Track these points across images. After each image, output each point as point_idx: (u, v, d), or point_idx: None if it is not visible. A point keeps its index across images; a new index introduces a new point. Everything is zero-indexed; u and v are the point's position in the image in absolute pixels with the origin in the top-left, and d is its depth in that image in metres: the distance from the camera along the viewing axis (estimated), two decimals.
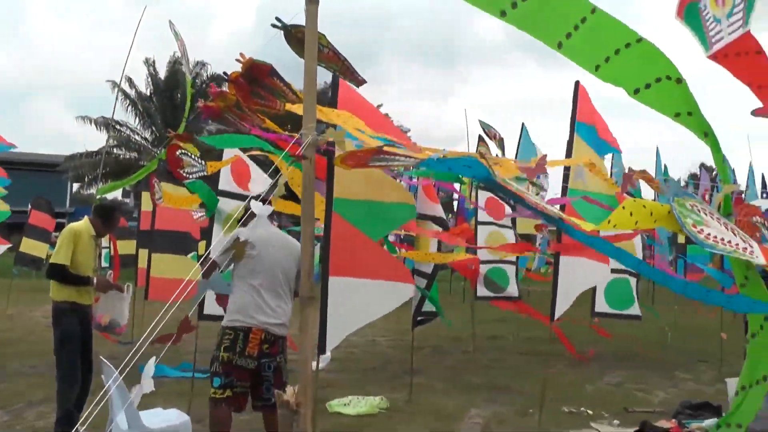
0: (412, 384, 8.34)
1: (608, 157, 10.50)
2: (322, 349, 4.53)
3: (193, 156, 6.90)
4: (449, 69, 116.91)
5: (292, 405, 3.14)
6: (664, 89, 3.48)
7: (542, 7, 3.27)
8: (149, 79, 40.13)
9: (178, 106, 36.62)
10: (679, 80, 3.48)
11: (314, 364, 3.91)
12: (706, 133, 3.58)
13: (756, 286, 3.69)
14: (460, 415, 7.66)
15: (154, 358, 2.83)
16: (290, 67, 4.26)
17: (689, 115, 3.53)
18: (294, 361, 4.76)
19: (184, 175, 7.37)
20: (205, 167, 7.19)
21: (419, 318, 8.28)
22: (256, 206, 3.50)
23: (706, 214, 3.47)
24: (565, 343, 7.97)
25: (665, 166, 18.08)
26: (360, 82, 4.52)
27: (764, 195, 17.79)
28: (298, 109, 4.55)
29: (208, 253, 5.72)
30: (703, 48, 4.32)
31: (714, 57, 4.19)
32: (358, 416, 7.42)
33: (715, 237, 3.21)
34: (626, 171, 5.64)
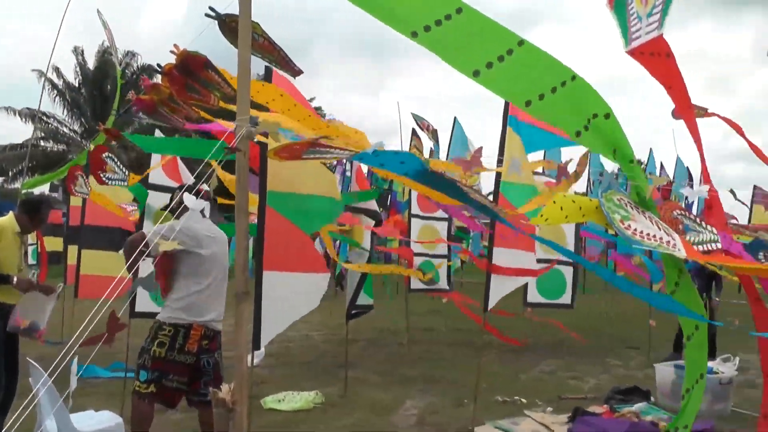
0: (347, 378, 8.31)
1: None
2: (256, 345, 4.48)
3: (118, 163, 6.72)
4: (382, 62, 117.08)
5: (228, 403, 3.08)
6: (599, 127, 3.49)
7: (457, 35, 3.16)
8: (78, 69, 38.94)
9: (109, 98, 35.62)
10: (608, 115, 3.50)
11: (249, 360, 3.86)
12: (631, 161, 3.63)
13: (687, 291, 3.80)
14: (395, 407, 7.68)
15: (77, 357, 2.72)
16: (225, 57, 4.18)
17: (614, 152, 3.56)
18: (228, 357, 4.68)
19: (104, 179, 7.19)
20: (127, 178, 7.03)
21: (353, 311, 8.27)
22: (189, 199, 3.41)
23: (633, 209, 3.54)
24: (495, 333, 8.08)
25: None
26: (296, 72, 4.44)
27: (690, 186, 18.38)
28: (232, 106, 4.47)
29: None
30: (623, 42, 4.43)
31: (631, 53, 4.29)
32: (293, 412, 7.36)
33: (641, 232, 3.28)
34: (562, 163, 5.76)
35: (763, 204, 12.56)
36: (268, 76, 5.01)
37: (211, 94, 4.00)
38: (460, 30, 3.17)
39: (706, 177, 4.38)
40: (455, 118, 15.38)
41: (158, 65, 3.93)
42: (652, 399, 7.93)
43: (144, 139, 6.51)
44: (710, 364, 8.03)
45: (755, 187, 13.78)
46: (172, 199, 5.34)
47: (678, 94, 4.05)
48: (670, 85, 4.09)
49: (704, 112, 10.62)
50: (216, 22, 3.76)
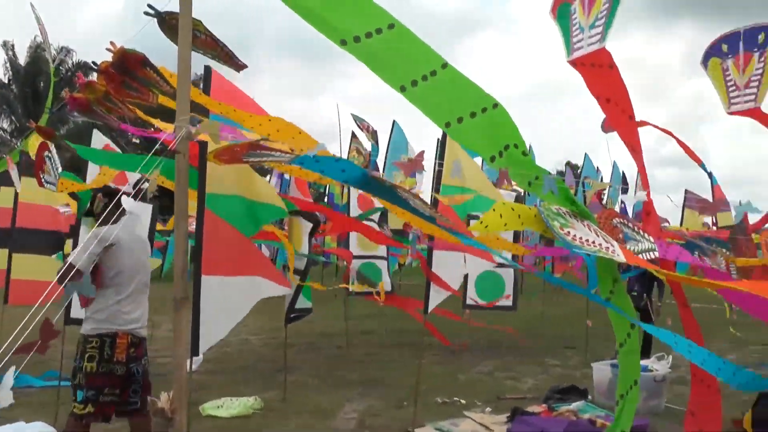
0: (286, 382, 8.21)
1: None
2: (195, 351, 4.36)
3: (54, 166, 6.50)
4: (323, 64, 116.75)
5: (167, 412, 2.98)
6: (513, 157, 3.53)
7: (386, 49, 3.19)
8: (8, 65, 37.76)
9: (41, 95, 34.60)
10: (525, 153, 3.54)
11: (188, 367, 3.75)
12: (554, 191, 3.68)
13: (620, 299, 3.87)
14: (335, 410, 7.63)
15: (13, 368, 2.60)
16: (165, 55, 4.07)
17: (536, 179, 3.60)
18: (165, 364, 4.56)
19: (42, 179, 6.96)
20: (56, 179, 6.80)
21: (292, 315, 8.17)
22: (128, 203, 3.29)
23: (571, 218, 3.58)
24: (437, 335, 8.10)
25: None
26: (240, 66, 4.35)
27: (625, 190, 18.87)
28: (172, 103, 4.35)
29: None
30: (565, 51, 4.49)
31: (573, 63, 4.36)
32: (232, 418, 7.23)
33: (581, 238, 3.32)
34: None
35: (694, 208, 12.92)
36: (207, 76, 4.90)
37: (149, 92, 3.89)
38: (390, 45, 3.20)
39: (645, 183, 4.46)
40: (394, 121, 15.45)
41: (93, 63, 3.80)
42: (590, 397, 8.06)
43: (81, 148, 6.31)
44: (645, 362, 8.23)
45: (687, 191, 14.15)
46: (92, 203, 5.18)
47: (616, 107, 4.12)
48: (608, 98, 4.15)
49: (638, 122, 10.82)
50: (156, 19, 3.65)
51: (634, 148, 4.18)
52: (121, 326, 4.85)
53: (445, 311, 8.07)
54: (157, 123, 4.96)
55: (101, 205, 5.02)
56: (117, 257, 4.84)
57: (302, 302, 8.11)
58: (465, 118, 3.30)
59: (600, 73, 4.12)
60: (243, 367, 10.03)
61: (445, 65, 3.25)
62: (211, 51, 4.12)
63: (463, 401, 8.15)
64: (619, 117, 4.14)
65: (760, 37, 6.05)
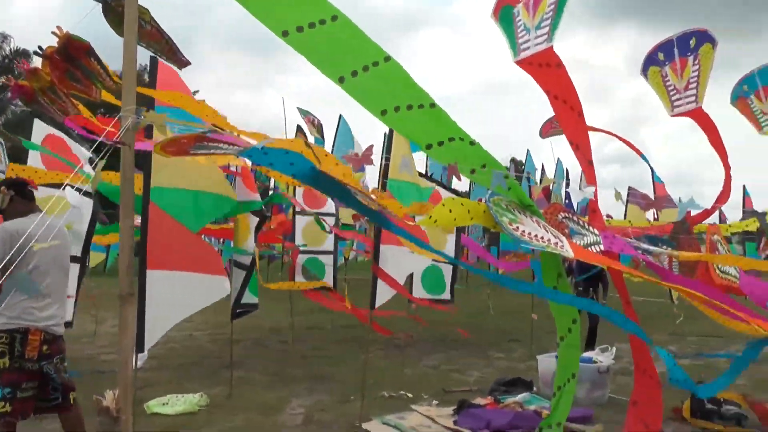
0: (232, 378, 8.12)
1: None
2: (140, 348, 4.28)
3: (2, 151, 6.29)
4: (268, 58, 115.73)
5: (112, 411, 2.90)
6: (457, 148, 3.56)
7: (329, 40, 3.20)
8: None
9: None
10: (472, 143, 3.57)
11: (133, 364, 3.67)
12: (506, 176, 3.72)
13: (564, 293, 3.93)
14: (282, 406, 7.56)
15: None
16: (108, 48, 3.95)
17: (483, 167, 3.64)
18: (109, 362, 4.45)
19: None
20: (6, 167, 6.60)
21: (238, 310, 8.08)
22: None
23: (520, 213, 3.62)
24: (378, 328, 8.09)
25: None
26: (183, 63, 4.25)
27: (568, 188, 19.20)
28: (112, 97, 4.23)
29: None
30: (511, 52, 4.55)
31: (520, 63, 4.42)
32: (178, 415, 7.08)
33: (530, 234, 3.36)
34: (449, 166, 5.82)
35: (638, 204, 13.20)
36: (153, 67, 4.79)
37: (93, 86, 3.77)
38: (332, 36, 3.21)
39: (591, 179, 4.53)
40: (341, 115, 15.40)
41: (39, 48, 3.66)
42: (535, 389, 8.18)
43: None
44: (589, 354, 8.39)
45: (630, 188, 14.45)
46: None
47: (565, 104, 4.18)
48: (556, 95, 4.21)
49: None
50: (99, 6, 3.54)
51: (581, 145, 4.25)
52: (34, 323, 4.65)
53: (388, 312, 8.09)
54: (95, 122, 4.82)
55: (6, 199, 4.79)
56: (30, 253, 4.63)
57: (248, 297, 8.03)
58: (402, 109, 3.33)
59: (548, 72, 4.19)
60: (188, 364, 9.88)
61: (388, 58, 3.27)
62: (155, 44, 4.01)
63: (409, 395, 8.17)
64: (569, 114, 4.20)
65: (692, 42, 6.31)
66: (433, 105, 3.40)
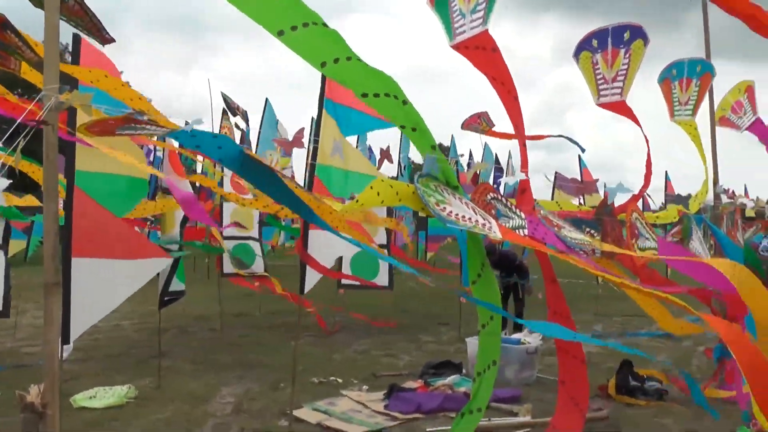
0: (161, 368, 7.93)
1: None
2: (65, 339, 4.11)
3: None
4: (194, 39, 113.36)
5: (37, 407, 2.77)
6: (391, 104, 3.55)
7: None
8: None
9: None
10: (405, 102, 3.57)
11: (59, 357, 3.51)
12: (433, 147, 3.73)
13: (488, 283, 3.97)
14: (212, 395, 7.44)
15: None
16: (27, 24, 3.75)
17: (413, 130, 3.62)
18: (32, 354, 4.26)
19: None
20: None
21: (166, 298, 7.90)
22: None
23: (448, 194, 3.62)
24: (321, 322, 8.02)
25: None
26: (107, 40, 4.07)
27: (497, 172, 19.50)
28: (31, 76, 4.03)
29: None
30: (447, 37, 4.56)
31: (456, 47, 4.44)
32: (105, 409, 6.88)
33: (457, 214, 3.36)
34: (381, 150, 5.82)
35: (564, 189, 13.52)
36: (76, 45, 4.58)
37: (11, 57, 3.57)
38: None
39: (524, 161, 4.59)
40: (266, 99, 15.19)
41: None
42: (464, 371, 8.27)
43: None
44: (518, 335, 8.55)
45: (557, 173, 14.79)
46: None
47: (502, 86, 4.21)
48: (494, 77, 4.24)
49: (488, 129, 11.21)
50: None
51: (518, 125, 4.29)
52: None
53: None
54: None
55: None
56: None
57: (176, 284, 7.86)
58: (341, 60, 3.31)
59: (484, 56, 4.21)
60: (115, 355, 9.60)
61: (325, 24, 3.23)
62: (78, 20, 3.83)
63: (339, 380, 8.17)
64: (506, 97, 4.23)
65: (626, 35, 6.47)
66: (349, 58, 3.41)
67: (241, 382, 8.06)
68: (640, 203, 7.70)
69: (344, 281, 10.26)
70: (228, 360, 9.24)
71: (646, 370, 8.15)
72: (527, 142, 4.76)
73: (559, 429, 4.72)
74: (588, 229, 5.92)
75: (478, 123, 11.26)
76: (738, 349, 3.10)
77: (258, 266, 11.44)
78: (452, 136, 20.00)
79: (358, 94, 3.49)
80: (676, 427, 6.45)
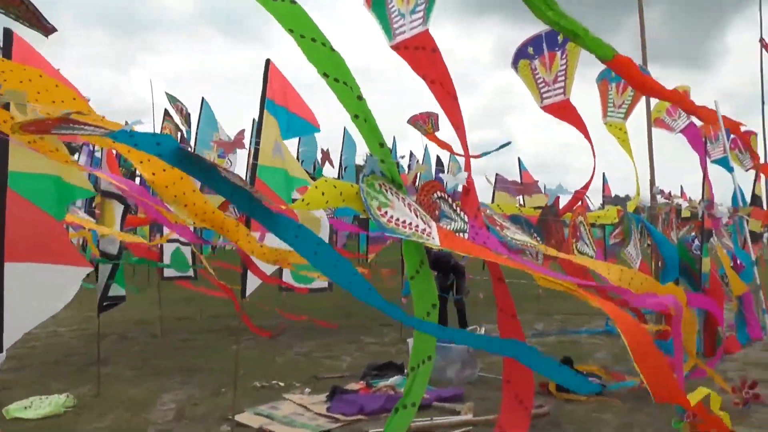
0: (100, 375, 7.73)
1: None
2: None
3: None
4: (133, 37, 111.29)
5: None
6: (342, 91, 3.61)
7: None
8: None
9: None
10: (359, 97, 3.61)
11: None
12: (381, 144, 3.77)
13: (425, 280, 4.01)
14: (153, 402, 7.32)
15: None
16: None
17: (365, 121, 3.67)
18: None
19: None
20: None
21: (105, 303, 7.74)
22: None
23: (393, 195, 3.64)
24: (253, 328, 7.96)
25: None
26: (49, 30, 3.95)
27: (437, 172, 19.67)
28: None
29: None
30: (386, 37, 4.59)
31: (396, 47, 4.48)
32: (42, 419, 6.68)
33: (397, 220, 3.39)
34: (322, 152, 5.82)
35: (505, 190, 13.72)
36: (8, 40, 4.43)
37: None
38: None
39: (467, 162, 4.64)
40: (203, 98, 15.05)
41: None
42: (406, 372, 8.29)
43: None
44: None
45: (497, 174, 14.98)
46: None
47: (441, 88, 4.26)
48: (433, 80, 4.28)
49: (431, 132, 11.33)
50: None
51: (458, 126, 4.34)
52: None
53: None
54: None
55: None
56: None
57: (115, 289, 7.72)
58: (306, 38, 3.48)
59: (424, 56, 4.24)
60: (52, 362, 9.35)
61: None
62: (13, 8, 3.69)
63: (281, 384, 8.12)
64: (445, 98, 4.27)
65: (560, 38, 6.64)
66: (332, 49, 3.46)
67: (183, 387, 7.96)
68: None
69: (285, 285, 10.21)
70: (169, 365, 9.10)
71: (585, 366, 8.34)
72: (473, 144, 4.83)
73: (505, 429, 4.77)
74: (533, 233, 6.04)
75: (425, 123, 11.36)
76: (628, 335, 3.29)
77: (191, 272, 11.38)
78: (393, 137, 20.11)
79: (320, 72, 3.52)
80: (614, 421, 6.60)
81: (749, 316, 8.85)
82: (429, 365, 4.14)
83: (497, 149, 7.59)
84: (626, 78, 5.21)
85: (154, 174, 3.89)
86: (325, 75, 3.51)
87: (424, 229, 3.40)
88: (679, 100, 6.18)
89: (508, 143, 8.68)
